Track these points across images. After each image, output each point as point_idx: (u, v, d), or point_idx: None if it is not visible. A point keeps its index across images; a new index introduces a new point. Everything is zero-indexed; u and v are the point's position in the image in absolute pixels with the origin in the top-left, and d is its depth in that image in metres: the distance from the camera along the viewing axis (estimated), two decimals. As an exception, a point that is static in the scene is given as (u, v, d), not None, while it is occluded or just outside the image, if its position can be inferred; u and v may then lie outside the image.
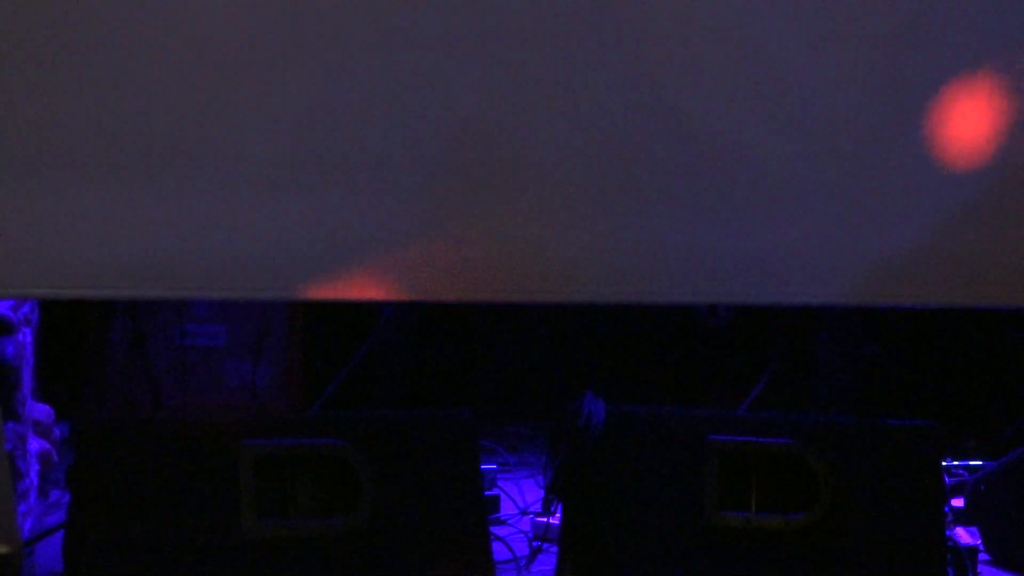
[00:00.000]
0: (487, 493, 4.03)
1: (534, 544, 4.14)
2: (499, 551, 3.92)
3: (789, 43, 3.65)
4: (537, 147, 3.61)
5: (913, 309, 5.19)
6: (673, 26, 3.62)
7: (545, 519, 4.15)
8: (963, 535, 4.03)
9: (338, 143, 3.54)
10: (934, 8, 3.69)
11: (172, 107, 3.47)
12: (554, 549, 3.88)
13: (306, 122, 3.53)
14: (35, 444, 4.20)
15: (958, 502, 4.22)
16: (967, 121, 3.72)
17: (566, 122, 3.61)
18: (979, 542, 4.04)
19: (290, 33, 3.51)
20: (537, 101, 3.60)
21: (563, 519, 3.75)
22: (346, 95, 3.54)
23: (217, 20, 3.48)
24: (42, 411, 4.34)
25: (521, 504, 4.55)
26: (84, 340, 5.50)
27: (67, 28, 3.41)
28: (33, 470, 4.14)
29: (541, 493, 4.14)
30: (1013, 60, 3.72)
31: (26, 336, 4.17)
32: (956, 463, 4.63)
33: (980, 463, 4.62)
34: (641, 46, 3.61)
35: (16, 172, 3.43)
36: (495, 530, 4.03)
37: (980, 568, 3.97)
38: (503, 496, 4.54)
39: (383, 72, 3.54)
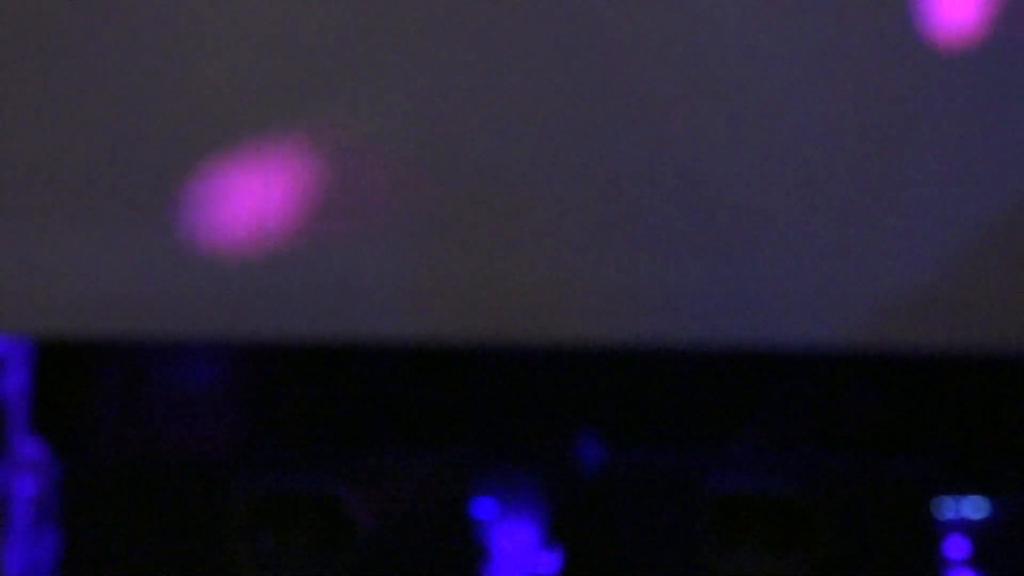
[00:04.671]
0: (481, 536, 4.01)
1: (529, 588, 4.13)
2: (494, 595, 3.91)
3: (787, 88, 3.66)
4: (533, 191, 3.61)
5: (912, 352, 5.18)
6: (674, 73, 3.62)
7: (541, 563, 4.13)
8: (962, 580, 4.01)
9: (330, 185, 3.54)
10: (933, 53, 3.71)
11: (166, 147, 3.47)
12: (549, 593, 3.87)
13: (297, 163, 3.53)
14: (27, 485, 4.17)
15: (956, 546, 4.20)
16: (963, 162, 3.73)
17: (564, 166, 3.61)
18: (978, 587, 4.03)
19: (278, 72, 3.51)
20: (534, 143, 3.60)
21: (559, 563, 3.73)
22: (337, 135, 3.54)
23: (213, 56, 3.48)
24: (35, 452, 4.32)
25: (516, 548, 4.52)
26: (78, 381, 5.47)
27: (51, 67, 3.42)
28: (24, 511, 4.11)
29: (537, 536, 4.13)
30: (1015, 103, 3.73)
31: (21, 375, 4.15)
32: (954, 506, 4.60)
33: (979, 507, 4.60)
34: (641, 89, 3.62)
35: (10, 212, 3.42)
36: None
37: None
38: (497, 540, 4.51)
39: (380, 111, 3.54)
